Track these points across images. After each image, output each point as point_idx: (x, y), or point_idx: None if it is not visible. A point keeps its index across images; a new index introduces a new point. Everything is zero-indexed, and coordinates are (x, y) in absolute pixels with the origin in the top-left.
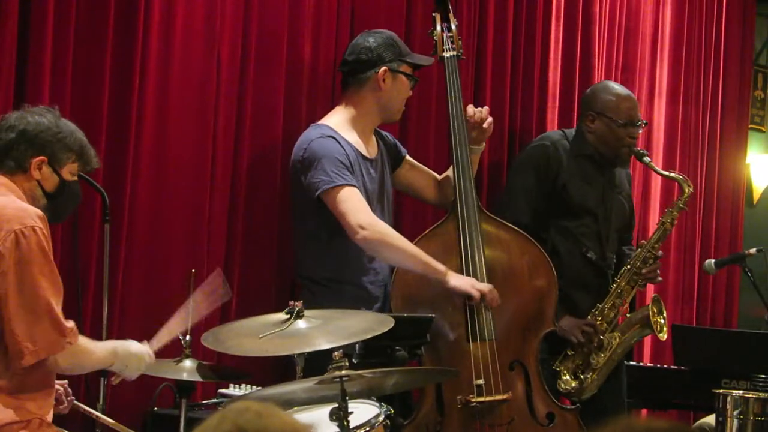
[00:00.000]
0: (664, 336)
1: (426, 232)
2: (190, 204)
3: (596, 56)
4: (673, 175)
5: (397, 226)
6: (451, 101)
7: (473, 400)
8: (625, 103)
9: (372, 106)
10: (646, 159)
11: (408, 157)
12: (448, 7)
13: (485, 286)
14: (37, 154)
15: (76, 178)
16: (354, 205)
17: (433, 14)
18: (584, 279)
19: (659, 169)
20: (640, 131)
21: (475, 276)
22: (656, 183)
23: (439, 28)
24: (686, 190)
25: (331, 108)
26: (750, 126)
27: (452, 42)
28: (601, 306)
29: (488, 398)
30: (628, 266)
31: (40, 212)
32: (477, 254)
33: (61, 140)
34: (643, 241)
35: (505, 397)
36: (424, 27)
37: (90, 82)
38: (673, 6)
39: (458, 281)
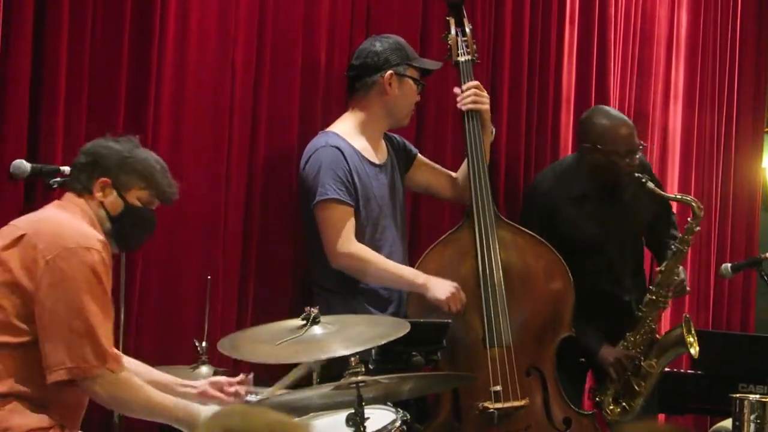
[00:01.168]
0: (696, 353)
1: (442, 237)
2: (205, 211)
3: (611, 60)
4: (688, 199)
5: (413, 231)
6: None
7: (491, 406)
8: (622, 130)
9: (379, 111)
10: (649, 185)
11: (420, 156)
12: (462, 11)
13: (461, 302)
14: (102, 175)
15: (150, 206)
16: (337, 229)
17: (447, 18)
18: (602, 312)
19: (666, 193)
20: (639, 154)
21: (492, 280)
22: (672, 188)
23: (453, 32)
24: (698, 213)
25: None
26: (766, 130)
27: (467, 46)
28: (631, 336)
29: (506, 404)
30: (652, 297)
31: (102, 238)
32: (494, 260)
33: (128, 164)
34: (661, 267)
35: (522, 403)
36: (440, 32)
37: (106, 88)
38: (689, 9)
39: (435, 292)
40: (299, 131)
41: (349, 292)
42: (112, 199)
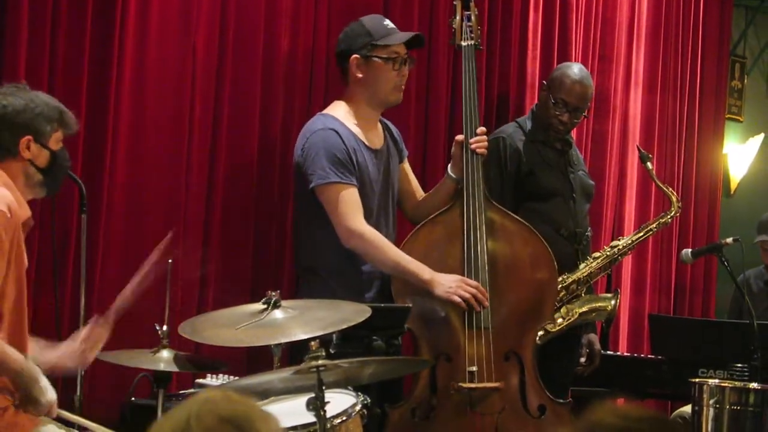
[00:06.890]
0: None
1: (431, 217)
2: (166, 194)
3: (573, 46)
4: (669, 191)
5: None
6: (466, 90)
7: (465, 385)
8: (574, 86)
9: (360, 96)
10: (649, 165)
11: (406, 162)
12: None
13: (471, 288)
14: (23, 134)
15: (61, 144)
16: (345, 208)
17: (454, 2)
18: (559, 257)
19: (656, 178)
20: (575, 121)
21: (476, 262)
22: (632, 172)
23: (458, 16)
24: (674, 208)
25: (308, 100)
26: (727, 116)
27: (471, 31)
28: (566, 278)
29: (480, 385)
30: (608, 253)
31: (11, 201)
32: (480, 243)
33: (40, 114)
34: (619, 239)
35: (497, 385)
36: (402, 18)
37: (68, 75)
38: None
39: (442, 290)
40: (261, 118)
41: (336, 276)
42: (38, 152)
